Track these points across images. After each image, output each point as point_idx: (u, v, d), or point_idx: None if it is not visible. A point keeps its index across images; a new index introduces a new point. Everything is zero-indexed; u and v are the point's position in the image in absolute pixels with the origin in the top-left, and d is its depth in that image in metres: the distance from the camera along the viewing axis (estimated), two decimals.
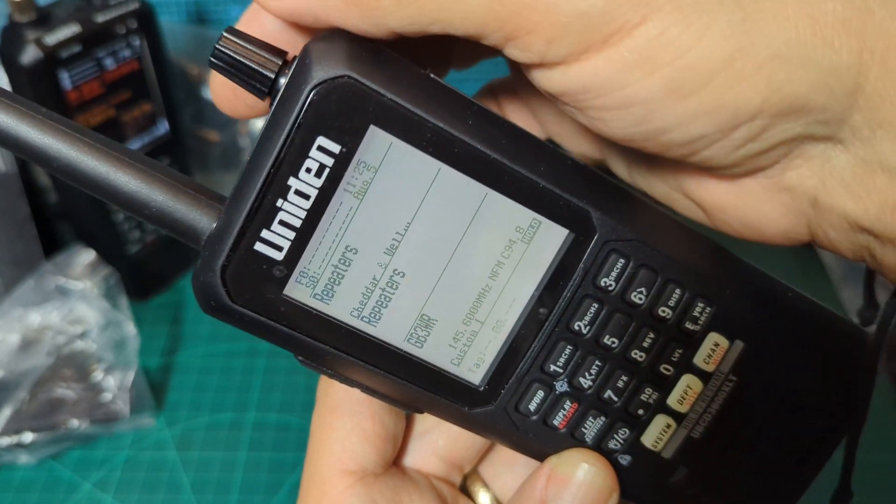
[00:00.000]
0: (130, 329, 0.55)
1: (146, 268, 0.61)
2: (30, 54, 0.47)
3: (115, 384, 0.54)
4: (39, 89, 0.48)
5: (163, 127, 0.57)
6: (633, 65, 0.18)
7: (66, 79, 0.49)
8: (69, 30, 0.48)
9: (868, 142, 0.19)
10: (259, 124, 0.64)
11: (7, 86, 0.51)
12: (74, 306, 0.55)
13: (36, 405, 0.52)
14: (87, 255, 0.56)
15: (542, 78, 0.20)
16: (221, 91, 0.22)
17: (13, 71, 0.48)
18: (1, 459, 0.52)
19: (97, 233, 0.58)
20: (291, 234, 0.21)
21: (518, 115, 0.31)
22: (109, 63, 0.51)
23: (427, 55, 0.26)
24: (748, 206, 0.23)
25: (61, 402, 0.53)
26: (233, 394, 0.57)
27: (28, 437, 0.51)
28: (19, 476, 0.52)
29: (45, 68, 0.48)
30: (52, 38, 0.47)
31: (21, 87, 0.49)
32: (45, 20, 0.48)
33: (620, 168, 0.28)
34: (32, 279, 0.55)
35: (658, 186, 0.26)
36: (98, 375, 0.54)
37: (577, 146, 0.29)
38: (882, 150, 0.19)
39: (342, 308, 0.22)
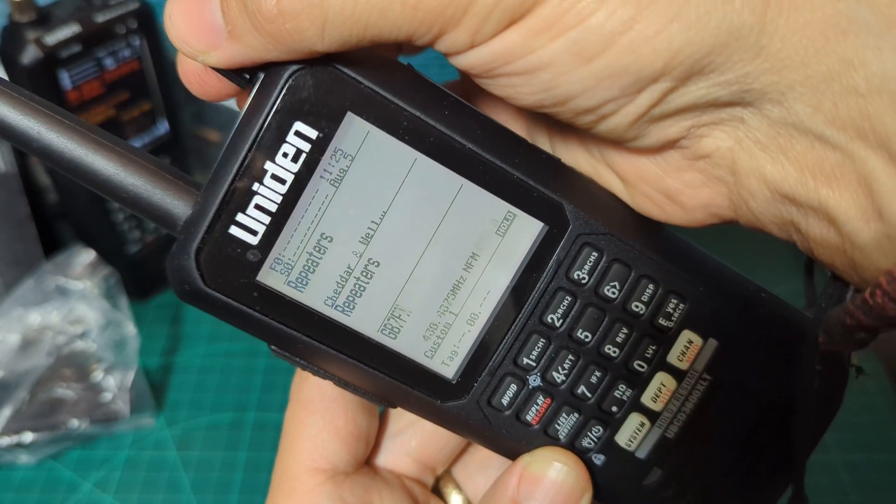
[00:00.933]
0: (130, 329, 0.55)
1: (146, 268, 0.61)
2: (30, 54, 0.47)
3: (115, 384, 0.54)
4: (39, 89, 0.48)
5: (163, 127, 0.57)
6: (539, 31, 0.19)
7: (66, 79, 0.49)
8: (69, 30, 0.48)
9: (779, 104, 0.19)
10: None
11: None
12: (74, 306, 0.55)
13: (36, 405, 0.52)
14: (87, 255, 0.56)
15: (459, 60, 0.20)
16: (189, 74, 0.22)
17: (13, 71, 0.48)
18: (1, 459, 0.52)
19: (97, 233, 0.58)
20: (267, 219, 0.21)
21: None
22: (109, 63, 0.51)
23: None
24: (669, 175, 0.22)
25: (61, 402, 0.53)
26: (233, 394, 0.57)
27: (28, 437, 0.51)
28: (19, 476, 0.52)
29: (45, 68, 0.48)
30: (52, 38, 0.47)
31: (21, 87, 0.49)
32: (45, 20, 0.48)
33: (546, 144, 0.28)
34: (32, 279, 0.55)
35: (583, 159, 0.26)
36: (98, 375, 0.54)
37: (506, 122, 0.29)
38: (796, 111, 0.19)
39: (316, 296, 0.22)
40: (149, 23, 0.52)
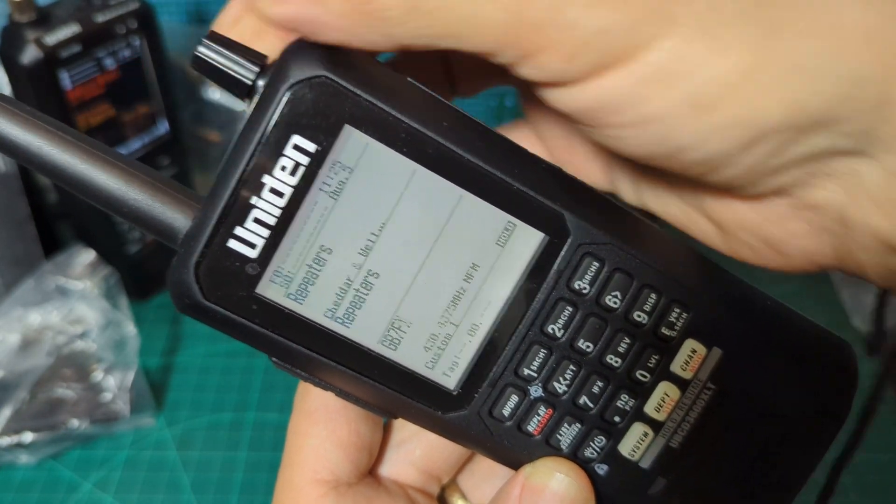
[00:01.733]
0: (130, 329, 0.55)
1: (146, 268, 0.61)
2: (30, 54, 0.47)
3: (115, 384, 0.54)
4: (39, 89, 0.48)
5: (163, 127, 0.57)
6: (652, 80, 0.18)
7: (66, 79, 0.49)
8: (69, 30, 0.48)
9: None
10: None
11: (7, 86, 0.51)
12: (74, 306, 0.55)
13: (36, 405, 0.52)
14: (87, 255, 0.56)
15: (556, 97, 0.20)
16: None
17: (13, 71, 0.48)
18: (1, 459, 0.52)
19: (97, 233, 0.58)
20: (266, 232, 0.21)
21: (524, 139, 0.30)
22: (109, 63, 0.51)
23: (429, 79, 0.25)
24: (772, 224, 0.22)
25: (61, 402, 0.53)
26: (233, 394, 0.57)
27: (28, 437, 0.51)
28: (19, 476, 0.52)
29: (45, 68, 0.48)
30: (52, 38, 0.47)
31: (21, 87, 0.49)
32: (45, 20, 0.48)
33: (630, 192, 0.28)
34: (32, 279, 0.55)
35: (673, 207, 0.26)
36: (98, 375, 0.54)
37: (586, 171, 0.29)
38: None
39: (315, 308, 0.22)
40: (149, 23, 0.52)
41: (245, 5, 0.21)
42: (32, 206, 0.57)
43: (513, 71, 0.19)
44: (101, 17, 0.49)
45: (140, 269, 0.61)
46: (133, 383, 0.54)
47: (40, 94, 0.49)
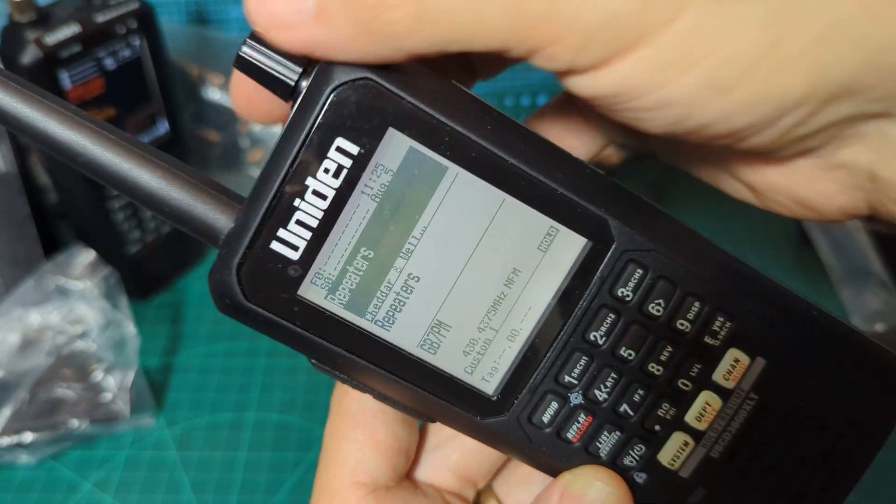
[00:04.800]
0: (130, 329, 0.55)
1: (146, 268, 0.61)
2: (30, 54, 0.47)
3: (115, 384, 0.54)
4: None
5: (163, 127, 0.57)
6: (668, 64, 0.17)
7: (66, 79, 0.49)
8: (69, 30, 0.48)
9: None
10: (259, 125, 0.64)
11: None
12: (74, 306, 0.55)
13: (36, 405, 0.52)
14: (87, 255, 0.56)
15: (572, 84, 0.19)
16: (240, 96, 0.22)
17: (13, 71, 0.48)
18: (1, 459, 0.52)
19: (97, 233, 0.58)
20: (308, 234, 0.21)
21: (565, 107, 0.30)
22: (109, 63, 0.51)
23: (450, 68, 0.25)
24: (801, 186, 0.22)
25: (61, 402, 0.53)
26: (233, 394, 0.57)
27: (28, 437, 0.51)
28: (19, 476, 0.52)
29: (45, 68, 0.48)
30: (52, 38, 0.47)
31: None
32: (45, 20, 0.48)
33: (666, 155, 0.28)
34: (32, 279, 0.55)
35: (706, 171, 0.25)
36: (98, 375, 0.54)
37: (625, 138, 0.29)
38: None
39: (356, 311, 0.22)
40: (149, 23, 0.52)
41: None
42: (32, 206, 0.57)
43: (529, 61, 0.19)
44: (101, 17, 0.49)
45: (140, 269, 0.61)
46: (133, 383, 0.54)
47: None
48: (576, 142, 0.29)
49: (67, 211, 0.62)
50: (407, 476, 0.29)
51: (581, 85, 0.19)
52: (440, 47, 0.18)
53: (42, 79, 0.48)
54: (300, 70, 0.21)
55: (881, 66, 0.17)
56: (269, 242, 0.21)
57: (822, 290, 0.62)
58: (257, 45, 0.21)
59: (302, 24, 0.18)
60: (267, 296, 0.21)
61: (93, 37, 0.49)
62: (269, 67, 0.21)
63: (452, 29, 0.18)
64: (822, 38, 0.17)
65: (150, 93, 0.55)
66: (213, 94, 0.66)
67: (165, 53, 0.55)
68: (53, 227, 0.63)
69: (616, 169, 0.70)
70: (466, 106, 0.21)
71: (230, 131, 0.67)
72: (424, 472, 0.29)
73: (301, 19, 0.18)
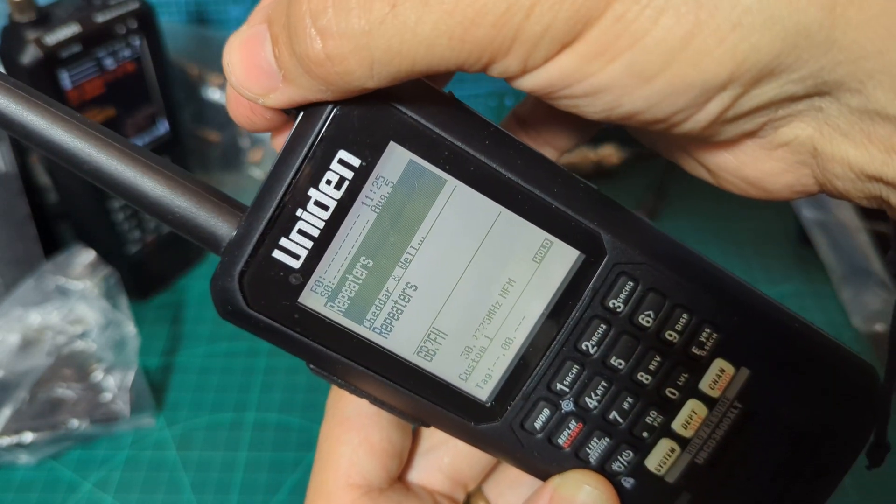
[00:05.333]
0: (130, 329, 0.55)
1: (146, 268, 0.61)
2: (30, 54, 0.47)
3: (115, 384, 0.54)
4: (39, 89, 0.47)
5: (163, 127, 0.57)
6: (593, 55, 0.18)
7: (66, 79, 0.49)
8: (69, 30, 0.48)
9: (858, 93, 0.19)
10: None
11: None
12: (74, 306, 0.55)
13: (36, 405, 0.52)
14: (87, 255, 0.56)
15: (515, 83, 0.20)
16: (237, 105, 0.23)
17: (13, 71, 0.48)
18: (1, 459, 0.52)
19: (97, 233, 0.58)
20: (309, 244, 0.21)
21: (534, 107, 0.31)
22: (109, 63, 0.51)
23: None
24: (748, 166, 0.22)
25: (61, 402, 0.53)
26: (233, 394, 0.57)
27: (28, 437, 0.51)
28: (19, 476, 0.52)
29: (45, 68, 0.48)
30: (52, 38, 0.47)
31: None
32: (45, 20, 0.48)
33: (638, 136, 0.28)
34: (32, 279, 0.55)
35: (666, 149, 0.26)
36: (98, 375, 0.54)
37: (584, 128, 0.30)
38: (877, 98, 0.18)
39: (355, 319, 0.22)
40: (149, 23, 0.52)
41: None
42: (32, 206, 0.57)
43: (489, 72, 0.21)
44: (101, 17, 0.49)
45: (140, 269, 0.61)
46: (133, 383, 0.54)
47: None
48: (565, 127, 0.30)
49: (67, 211, 0.62)
50: (399, 478, 0.29)
51: (521, 82, 0.20)
52: (403, 77, 0.19)
53: (42, 79, 0.48)
54: None
55: (801, 48, 0.18)
56: (272, 251, 0.21)
57: (822, 290, 0.62)
58: None
59: (274, 89, 0.20)
60: (268, 303, 0.22)
61: (93, 37, 0.49)
62: None
63: (407, 64, 0.19)
64: (740, 25, 0.18)
65: (150, 93, 0.55)
66: (213, 94, 0.66)
67: (165, 53, 0.55)
68: (53, 227, 0.63)
69: (616, 169, 0.71)
70: (465, 121, 0.22)
71: (230, 131, 0.67)
72: (417, 475, 0.30)
73: (272, 86, 0.20)
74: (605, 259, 0.23)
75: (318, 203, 0.21)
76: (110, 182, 0.21)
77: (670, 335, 0.24)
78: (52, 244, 0.60)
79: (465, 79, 0.71)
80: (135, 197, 0.22)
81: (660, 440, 0.24)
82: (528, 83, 0.20)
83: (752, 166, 0.22)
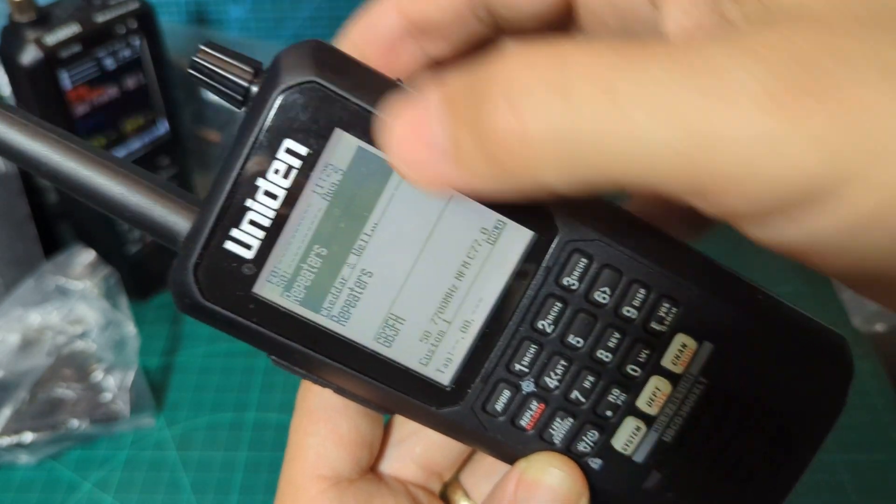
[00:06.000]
0: (130, 329, 0.55)
1: (146, 268, 0.61)
2: (30, 54, 0.47)
3: (115, 384, 0.54)
4: (39, 89, 0.48)
5: (163, 127, 0.57)
6: (866, 227, 0.15)
7: (65, 79, 0.49)
8: (69, 30, 0.48)
9: None
10: None
11: (7, 86, 0.51)
12: (74, 306, 0.55)
13: (36, 405, 0.52)
14: (87, 255, 0.56)
15: (734, 224, 0.17)
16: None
17: (13, 71, 0.48)
18: (1, 459, 0.52)
19: (97, 233, 0.58)
20: (261, 234, 0.22)
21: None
22: (109, 63, 0.51)
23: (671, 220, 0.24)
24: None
25: (61, 402, 0.53)
26: (233, 394, 0.57)
27: (28, 437, 0.52)
28: (19, 476, 0.52)
29: (45, 68, 0.48)
30: (52, 38, 0.47)
31: (21, 87, 0.49)
32: (45, 20, 0.48)
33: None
34: (32, 279, 0.55)
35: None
36: (98, 375, 0.54)
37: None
38: None
39: (311, 307, 0.23)
40: (149, 23, 0.52)
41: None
42: (32, 206, 0.57)
43: (705, 211, 0.17)
44: (101, 17, 0.49)
45: (140, 269, 0.61)
46: (133, 383, 0.54)
47: (40, 94, 0.49)
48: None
49: (67, 211, 0.62)
50: (371, 469, 0.29)
51: (746, 230, 0.17)
52: (593, 189, 0.16)
53: (42, 79, 0.48)
54: (251, 74, 0.22)
55: None
56: (223, 242, 0.22)
57: (822, 291, 0.63)
58: (210, 52, 0.22)
59: (437, 165, 0.17)
60: (223, 294, 0.22)
61: (93, 37, 0.49)
62: (222, 72, 0.22)
63: (613, 175, 0.15)
64: None
65: (149, 93, 0.55)
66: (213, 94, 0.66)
67: (165, 53, 0.55)
68: (53, 227, 0.63)
69: None
70: None
71: (230, 131, 0.67)
72: (389, 465, 0.29)
73: (436, 161, 0.17)
74: (558, 237, 0.23)
75: (267, 193, 0.21)
76: (68, 183, 0.22)
77: (628, 311, 0.23)
78: (52, 244, 0.60)
79: None
80: (92, 196, 0.22)
81: (625, 419, 0.24)
82: (763, 235, 0.16)
83: None
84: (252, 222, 0.21)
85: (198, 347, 0.60)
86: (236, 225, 0.21)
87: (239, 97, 0.22)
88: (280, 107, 0.21)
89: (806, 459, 0.26)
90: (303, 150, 0.21)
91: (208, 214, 0.21)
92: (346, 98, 0.21)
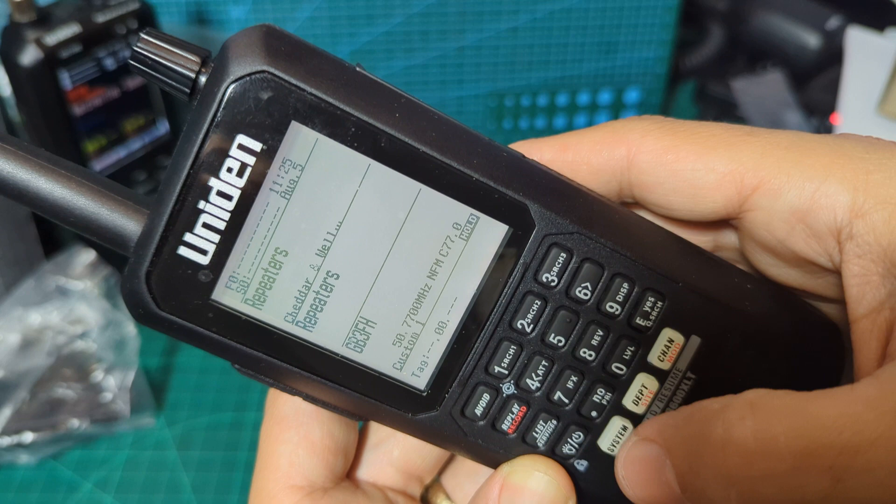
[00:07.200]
0: (130, 329, 0.55)
1: None
2: (30, 54, 0.47)
3: (115, 384, 0.54)
4: (39, 89, 0.48)
5: (163, 127, 0.57)
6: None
7: (66, 79, 0.49)
8: (69, 30, 0.48)
9: None
10: None
11: (7, 86, 0.51)
12: (74, 306, 0.55)
13: (36, 405, 0.52)
14: (87, 255, 0.56)
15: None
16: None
17: (13, 71, 0.48)
18: (1, 459, 0.52)
19: None
20: (216, 237, 0.20)
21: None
22: (109, 63, 0.51)
23: None
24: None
25: (61, 402, 0.53)
26: (233, 394, 0.57)
27: (28, 437, 0.51)
28: (19, 476, 0.52)
29: (45, 68, 0.48)
30: (52, 38, 0.47)
31: (21, 87, 0.49)
32: (45, 20, 0.48)
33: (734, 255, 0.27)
34: (32, 279, 0.55)
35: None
36: (98, 375, 0.54)
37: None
38: None
39: (275, 313, 0.21)
40: (149, 23, 0.52)
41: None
42: None
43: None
44: (101, 17, 0.49)
45: None
46: (133, 383, 0.54)
47: (40, 94, 0.49)
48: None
49: None
50: (347, 476, 0.28)
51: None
52: None
53: (42, 79, 0.48)
54: (198, 64, 0.20)
55: None
56: (177, 248, 0.20)
57: None
58: (153, 41, 0.20)
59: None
60: (179, 303, 0.21)
61: (93, 37, 0.49)
62: (166, 61, 0.20)
63: None
64: None
65: (149, 93, 0.55)
66: None
67: None
68: (53, 227, 0.63)
69: None
70: (372, 94, 0.20)
71: None
72: (366, 471, 0.28)
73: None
74: (535, 231, 0.22)
75: (220, 193, 0.20)
76: (5, 187, 0.20)
77: (612, 307, 0.22)
78: (52, 244, 0.60)
79: (465, 80, 0.71)
80: (31, 200, 0.20)
81: (611, 419, 0.24)
82: None
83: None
84: (206, 225, 0.20)
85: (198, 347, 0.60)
86: (189, 229, 0.20)
87: (186, 89, 0.20)
88: (230, 99, 0.19)
89: None
90: (257, 146, 0.19)
91: (158, 218, 0.20)
92: (301, 88, 0.19)
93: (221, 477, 0.52)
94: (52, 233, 0.62)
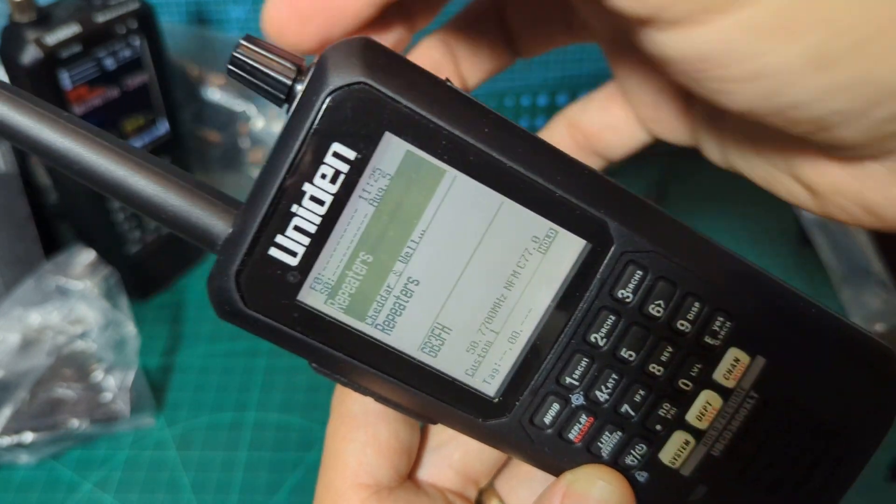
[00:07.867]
0: (130, 329, 0.55)
1: (146, 268, 0.61)
2: (30, 54, 0.47)
3: (115, 384, 0.54)
4: (39, 89, 0.48)
5: (163, 127, 0.57)
6: (771, 30, 0.16)
7: (66, 79, 0.49)
8: (69, 30, 0.48)
9: None
10: (259, 125, 0.64)
11: None
12: (74, 306, 0.55)
13: (36, 405, 0.52)
14: (87, 255, 0.56)
15: (655, 42, 0.18)
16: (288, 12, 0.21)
17: (13, 71, 0.48)
18: (1, 459, 0.52)
19: (97, 233, 0.58)
20: (306, 240, 0.21)
21: (610, 97, 0.29)
22: (109, 63, 0.51)
23: (488, 41, 0.25)
24: (870, 190, 0.21)
25: (61, 402, 0.53)
26: (233, 394, 0.57)
27: (28, 437, 0.51)
28: (19, 476, 0.52)
29: (45, 68, 0.48)
30: (52, 38, 0.47)
31: (21, 87, 0.49)
32: (45, 20, 0.48)
33: (715, 151, 0.27)
34: (32, 279, 0.55)
35: (760, 168, 0.25)
36: (98, 375, 0.54)
37: (672, 131, 0.28)
38: None
39: (356, 315, 0.22)
40: (149, 23, 0.52)
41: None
42: (32, 206, 0.57)
43: (606, 4, 0.17)
44: (101, 17, 0.49)
45: (140, 269, 0.61)
46: (133, 383, 0.54)
47: (40, 95, 0.48)
48: (618, 136, 0.29)
49: (67, 211, 0.62)
50: (409, 476, 0.29)
51: (665, 43, 0.17)
52: None
53: (42, 79, 0.48)
54: (294, 73, 0.21)
55: None
56: (268, 249, 0.21)
57: (822, 290, 0.62)
58: (251, 48, 0.21)
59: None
60: (266, 302, 0.21)
61: (93, 37, 0.49)
62: (264, 69, 0.21)
63: None
64: None
65: (149, 93, 0.55)
66: (213, 94, 0.66)
67: (165, 53, 0.55)
68: (53, 227, 0.63)
69: (616, 168, 0.70)
70: (464, 109, 0.21)
71: (230, 131, 0.67)
72: (427, 472, 0.29)
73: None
74: (613, 248, 0.22)
75: (313, 198, 0.20)
76: (101, 182, 0.21)
77: (682, 325, 0.23)
78: (52, 244, 0.60)
79: None
80: (127, 196, 0.21)
81: (674, 433, 0.24)
82: (679, 47, 0.17)
83: (877, 191, 0.20)
84: (297, 228, 0.21)
85: (198, 347, 0.60)
86: (282, 231, 0.21)
87: (281, 95, 0.21)
88: (328, 109, 0.20)
89: (852, 475, 0.25)
90: (351, 155, 0.20)
91: (252, 219, 0.21)
92: (397, 100, 0.20)
93: (221, 477, 0.52)
94: (52, 233, 0.63)
